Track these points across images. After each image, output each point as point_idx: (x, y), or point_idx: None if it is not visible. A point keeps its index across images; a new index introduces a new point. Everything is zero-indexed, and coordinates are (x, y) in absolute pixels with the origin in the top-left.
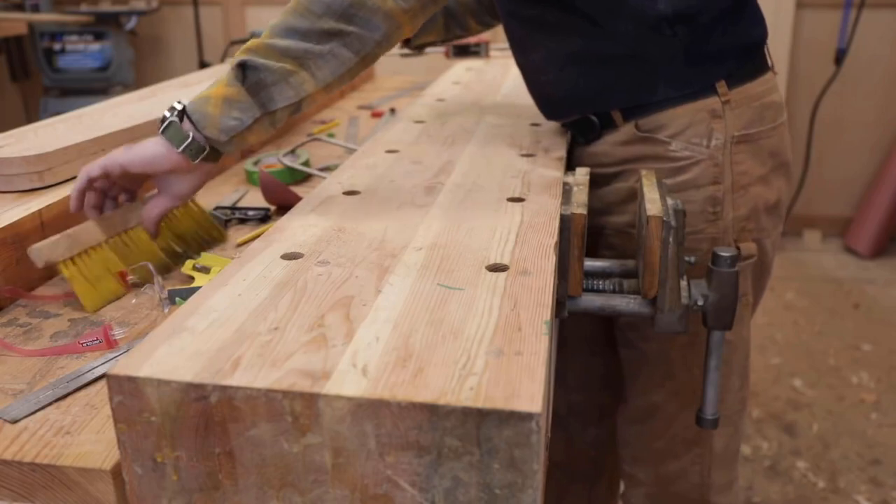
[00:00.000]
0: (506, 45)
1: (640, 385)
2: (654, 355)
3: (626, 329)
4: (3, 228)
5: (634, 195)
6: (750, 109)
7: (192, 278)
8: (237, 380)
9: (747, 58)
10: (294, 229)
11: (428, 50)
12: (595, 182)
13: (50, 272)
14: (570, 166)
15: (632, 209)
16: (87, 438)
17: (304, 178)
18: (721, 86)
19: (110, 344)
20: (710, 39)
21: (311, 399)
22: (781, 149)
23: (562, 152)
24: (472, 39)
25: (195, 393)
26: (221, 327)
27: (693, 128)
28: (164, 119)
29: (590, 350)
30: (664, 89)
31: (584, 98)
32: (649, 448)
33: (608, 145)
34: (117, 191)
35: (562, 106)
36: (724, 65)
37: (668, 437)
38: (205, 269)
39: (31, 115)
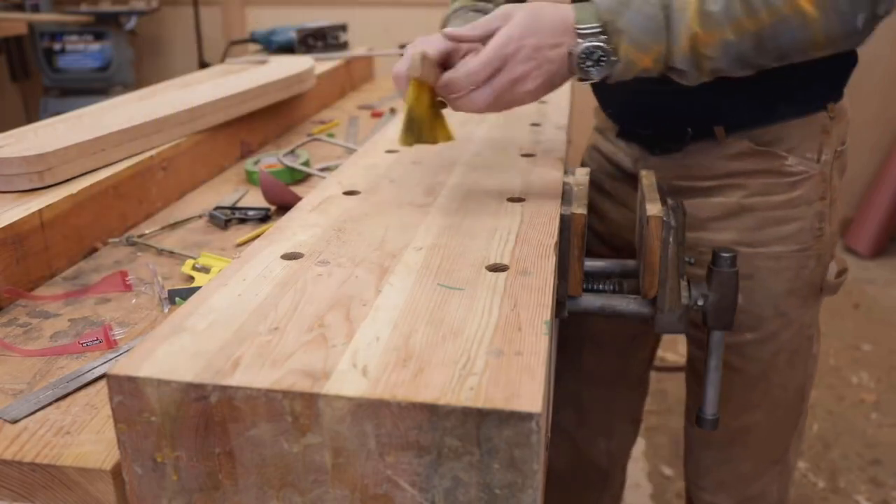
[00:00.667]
0: None
1: (735, 406)
2: (755, 375)
3: (725, 351)
4: (3, 228)
5: (738, 210)
6: (842, 125)
7: (192, 278)
8: (237, 380)
9: (849, 74)
10: (294, 229)
11: None
12: (681, 193)
13: (50, 272)
14: (628, 179)
15: (735, 225)
16: (87, 438)
17: (304, 178)
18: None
19: (110, 344)
20: (840, 55)
21: (311, 399)
22: (847, 164)
23: (562, 152)
24: None
25: (195, 393)
26: (221, 327)
27: (806, 142)
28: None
29: (615, 353)
30: (785, 105)
31: (698, 111)
32: (736, 472)
33: (711, 158)
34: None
35: (663, 119)
36: (840, 80)
37: (757, 457)
38: (205, 269)
39: (31, 115)
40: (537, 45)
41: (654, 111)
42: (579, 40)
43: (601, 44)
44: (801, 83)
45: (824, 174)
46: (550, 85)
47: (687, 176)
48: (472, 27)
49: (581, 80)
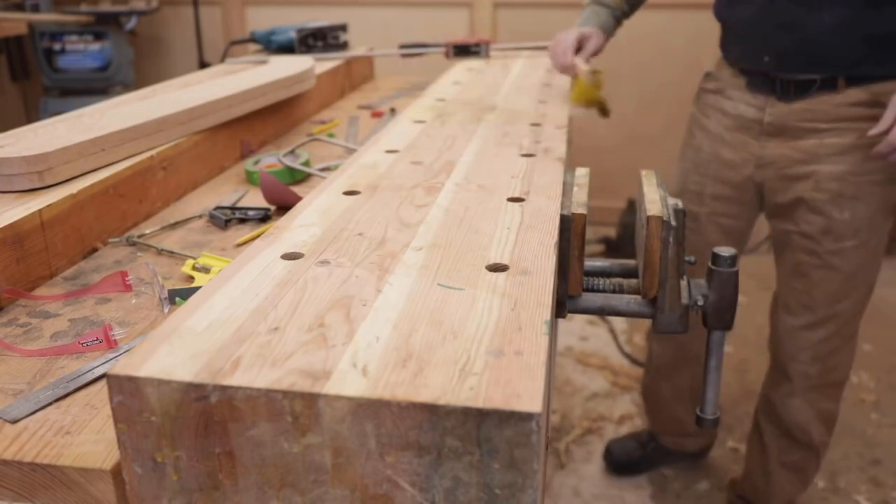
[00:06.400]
0: (505, 45)
1: (834, 297)
2: (849, 272)
3: (825, 253)
4: (2, 228)
5: (852, 148)
6: None
7: (192, 278)
8: (237, 380)
9: None
10: (294, 229)
11: (427, 50)
12: (802, 133)
13: (50, 272)
14: (746, 127)
15: (848, 160)
16: (87, 438)
17: (304, 178)
18: None
19: (110, 344)
20: None
21: (311, 399)
22: None
23: (562, 152)
24: (471, 40)
25: (195, 393)
26: (221, 327)
27: None
28: None
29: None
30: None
31: (854, 60)
32: (826, 347)
33: (831, 105)
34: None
35: (827, 62)
36: None
37: (841, 336)
38: (205, 269)
39: (31, 115)
40: None
41: (812, 58)
42: None
43: None
44: None
45: None
46: None
47: (810, 119)
48: (885, 121)
49: None
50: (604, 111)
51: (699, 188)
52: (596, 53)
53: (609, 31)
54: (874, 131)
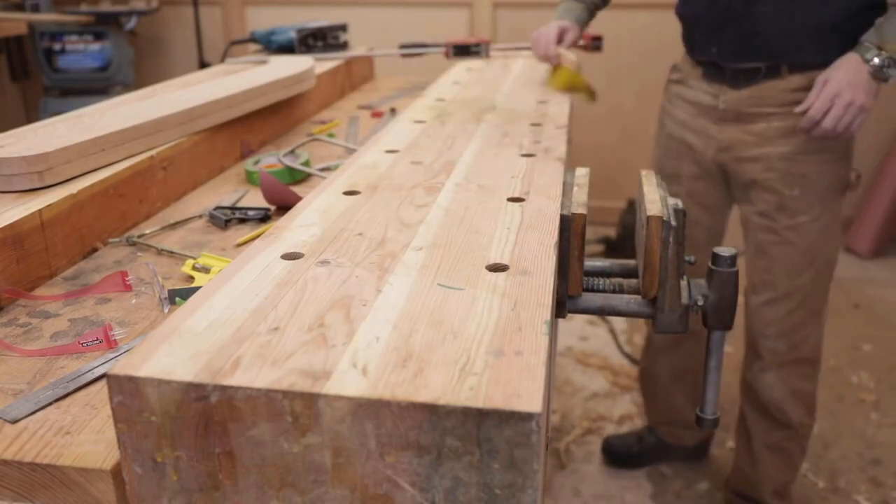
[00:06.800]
0: (505, 45)
1: (793, 271)
2: (805, 247)
3: (781, 229)
4: (2, 228)
5: (796, 130)
6: None
7: (192, 278)
8: (237, 380)
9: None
10: (294, 229)
11: (427, 50)
12: (752, 117)
13: (50, 272)
14: (705, 113)
15: (793, 140)
16: (87, 438)
17: (304, 178)
18: None
19: (110, 344)
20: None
21: (311, 399)
22: None
23: (562, 152)
24: (471, 40)
25: (195, 393)
26: (221, 327)
27: None
28: None
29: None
30: (839, 52)
31: (780, 52)
32: (791, 322)
33: (776, 90)
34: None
35: (768, 51)
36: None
37: (804, 309)
38: (205, 269)
39: (31, 115)
40: (850, 82)
41: (755, 50)
42: (874, 62)
43: (882, 57)
44: (854, 38)
45: None
46: (868, 97)
47: (758, 104)
48: (807, 100)
49: (884, 81)
50: (591, 95)
51: (675, 171)
52: (574, 44)
53: (583, 24)
54: (798, 109)
